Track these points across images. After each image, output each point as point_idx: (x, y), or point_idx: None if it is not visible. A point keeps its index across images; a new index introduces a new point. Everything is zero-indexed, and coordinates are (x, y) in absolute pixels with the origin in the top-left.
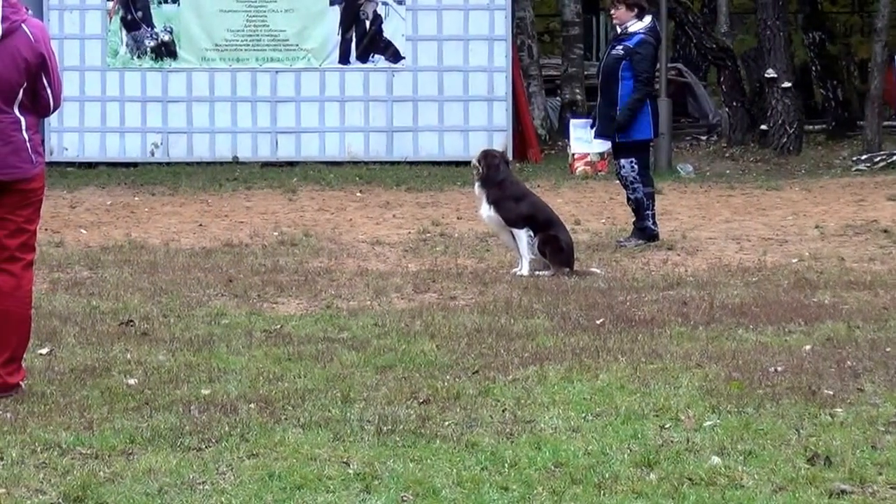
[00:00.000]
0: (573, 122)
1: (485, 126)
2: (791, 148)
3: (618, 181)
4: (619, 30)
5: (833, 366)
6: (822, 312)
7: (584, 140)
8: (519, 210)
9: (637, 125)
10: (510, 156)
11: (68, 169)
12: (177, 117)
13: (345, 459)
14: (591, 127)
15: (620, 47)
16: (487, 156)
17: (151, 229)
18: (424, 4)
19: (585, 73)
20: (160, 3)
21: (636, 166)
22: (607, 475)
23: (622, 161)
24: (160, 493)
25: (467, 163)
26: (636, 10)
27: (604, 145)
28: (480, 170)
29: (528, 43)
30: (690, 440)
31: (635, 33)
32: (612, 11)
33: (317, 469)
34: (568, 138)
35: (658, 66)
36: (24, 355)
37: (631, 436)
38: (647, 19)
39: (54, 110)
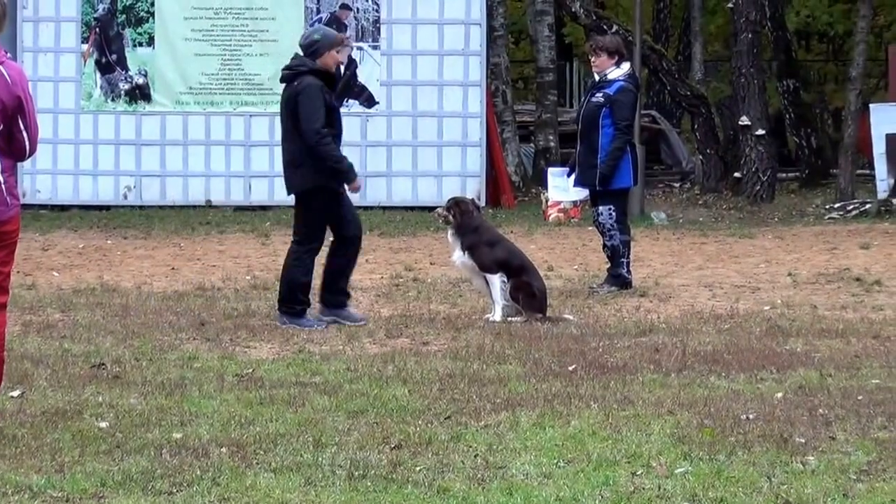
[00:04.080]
0: (551, 170)
1: (458, 171)
2: (764, 196)
3: (592, 227)
4: (597, 77)
5: (805, 414)
6: (794, 360)
7: (561, 188)
8: (493, 255)
9: (618, 173)
10: (483, 202)
11: (41, 211)
12: (150, 160)
13: None
14: (568, 175)
15: (600, 95)
16: (459, 203)
17: (124, 272)
18: (399, 49)
19: (559, 119)
20: (135, 46)
21: (614, 213)
22: None
23: (601, 208)
24: None
25: None
26: (616, 57)
27: (581, 193)
28: (450, 218)
29: (502, 89)
30: (662, 487)
31: (615, 80)
32: (593, 59)
33: None
34: (545, 186)
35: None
36: None
37: (603, 482)
38: (626, 66)
39: (30, 154)
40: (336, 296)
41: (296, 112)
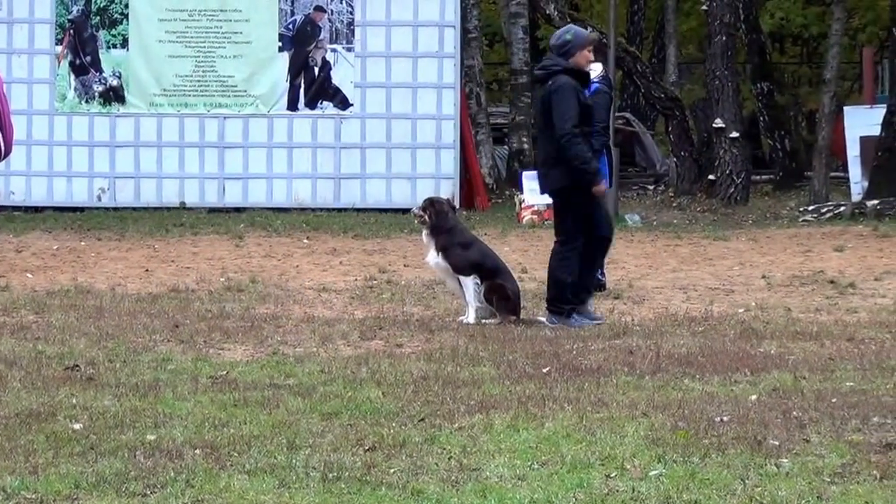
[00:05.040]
0: (525, 173)
1: (432, 174)
2: (738, 198)
3: None
4: None
5: (779, 416)
6: (768, 363)
7: (536, 191)
8: (467, 257)
9: None
10: (457, 203)
11: (15, 213)
12: (124, 162)
13: None
14: None
15: None
16: (434, 203)
17: (98, 274)
18: (373, 51)
19: (533, 121)
20: (109, 48)
21: None
22: None
23: None
24: None
25: None
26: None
27: None
28: (426, 217)
29: (476, 91)
30: (636, 489)
31: (590, 83)
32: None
33: None
34: (519, 189)
35: None
36: None
37: (577, 485)
38: (600, 68)
39: (6, 156)
40: (579, 293)
41: (550, 111)
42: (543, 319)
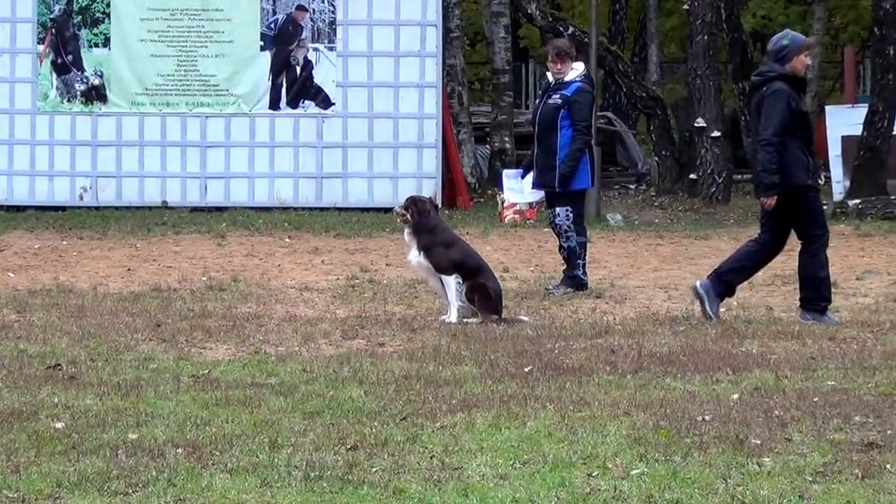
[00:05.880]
0: (506, 172)
1: (414, 173)
2: (720, 197)
3: (548, 228)
4: (551, 79)
5: (761, 415)
6: (749, 362)
7: (517, 190)
8: (449, 256)
9: (576, 175)
10: (439, 203)
11: None
12: (106, 161)
13: None
14: (523, 177)
15: (557, 96)
16: (417, 202)
17: (80, 273)
18: (355, 51)
19: (515, 120)
20: (91, 47)
21: (571, 215)
22: None
23: (557, 209)
24: None
25: None
26: (573, 59)
27: (537, 195)
28: (409, 216)
29: (458, 90)
30: (618, 488)
31: (572, 82)
32: (558, 65)
33: None
34: (501, 188)
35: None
36: None
37: (558, 483)
38: (581, 67)
39: None
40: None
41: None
42: (525, 318)
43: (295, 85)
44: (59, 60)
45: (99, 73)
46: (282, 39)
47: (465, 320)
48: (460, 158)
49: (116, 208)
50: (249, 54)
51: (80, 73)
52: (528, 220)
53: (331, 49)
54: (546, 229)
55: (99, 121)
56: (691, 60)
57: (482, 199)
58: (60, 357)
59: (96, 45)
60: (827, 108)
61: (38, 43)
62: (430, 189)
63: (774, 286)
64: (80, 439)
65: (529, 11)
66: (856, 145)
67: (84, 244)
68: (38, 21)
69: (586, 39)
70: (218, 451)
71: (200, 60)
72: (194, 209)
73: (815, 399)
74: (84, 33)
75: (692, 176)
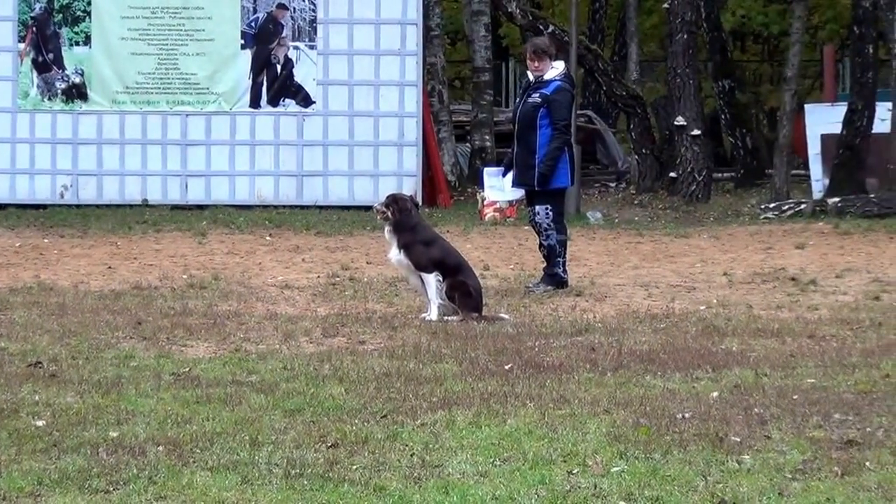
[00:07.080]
0: (486, 170)
1: (395, 171)
2: (700, 195)
3: (528, 226)
4: (532, 77)
5: (740, 413)
6: (729, 359)
7: (497, 188)
8: (429, 254)
9: (555, 173)
10: (419, 201)
11: None
12: (87, 159)
13: (253, 503)
14: (503, 175)
15: (537, 95)
16: (398, 200)
17: (60, 271)
18: (336, 49)
19: (495, 119)
20: (71, 45)
21: (551, 213)
22: None
23: (537, 207)
24: None
25: None
26: (552, 58)
27: (517, 193)
28: (389, 214)
29: (438, 88)
30: (598, 486)
31: (551, 81)
32: (537, 64)
33: None
34: (481, 186)
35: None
36: None
37: (539, 481)
38: (561, 66)
39: None
40: None
41: None
42: (505, 316)
43: (275, 83)
44: (40, 58)
45: (80, 71)
46: (262, 38)
47: (445, 318)
48: (441, 156)
49: (97, 206)
50: (230, 52)
51: (60, 72)
52: (509, 218)
53: (311, 47)
54: (526, 227)
55: (80, 119)
56: (671, 59)
57: (462, 198)
58: (41, 355)
59: (77, 44)
60: (806, 106)
61: (19, 41)
62: (411, 187)
63: (754, 284)
64: (61, 437)
65: (510, 10)
66: (835, 144)
67: (65, 242)
68: (18, 19)
69: (566, 38)
70: (199, 448)
71: (181, 59)
72: (175, 207)
73: (795, 397)
74: (65, 31)
75: (672, 174)
